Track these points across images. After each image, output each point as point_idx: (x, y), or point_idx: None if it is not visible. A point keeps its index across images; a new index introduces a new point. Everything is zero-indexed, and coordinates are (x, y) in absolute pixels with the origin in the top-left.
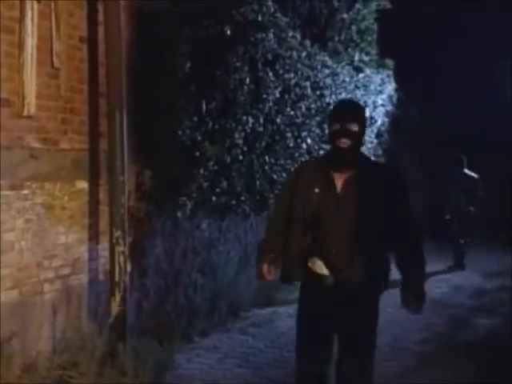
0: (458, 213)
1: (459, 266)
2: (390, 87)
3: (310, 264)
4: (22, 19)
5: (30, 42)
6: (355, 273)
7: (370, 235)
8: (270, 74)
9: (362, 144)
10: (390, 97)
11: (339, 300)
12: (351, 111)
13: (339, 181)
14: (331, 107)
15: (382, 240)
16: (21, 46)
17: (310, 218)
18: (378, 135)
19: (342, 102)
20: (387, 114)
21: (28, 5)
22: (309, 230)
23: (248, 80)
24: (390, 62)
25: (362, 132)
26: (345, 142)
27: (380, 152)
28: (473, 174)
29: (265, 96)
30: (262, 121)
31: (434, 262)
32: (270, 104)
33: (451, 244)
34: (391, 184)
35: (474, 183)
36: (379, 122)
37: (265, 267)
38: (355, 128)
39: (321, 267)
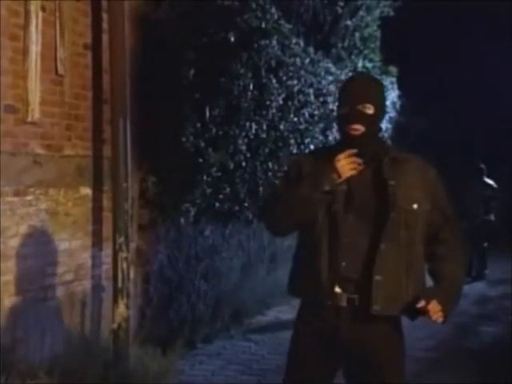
0: (478, 222)
1: (480, 277)
2: (394, 94)
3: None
4: (26, 26)
5: (35, 49)
6: (378, 305)
7: (394, 253)
8: (274, 80)
9: (379, 130)
10: (394, 103)
11: (353, 325)
12: (364, 89)
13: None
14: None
15: (415, 255)
16: (25, 52)
17: (317, 223)
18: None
19: (353, 77)
20: (391, 120)
21: (33, 12)
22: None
23: (251, 87)
24: (393, 69)
25: (379, 115)
26: (356, 129)
27: None
28: (492, 183)
29: (268, 103)
30: (265, 127)
31: None
32: (274, 111)
33: (473, 253)
34: (422, 179)
35: (492, 191)
36: (383, 129)
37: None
38: (369, 110)
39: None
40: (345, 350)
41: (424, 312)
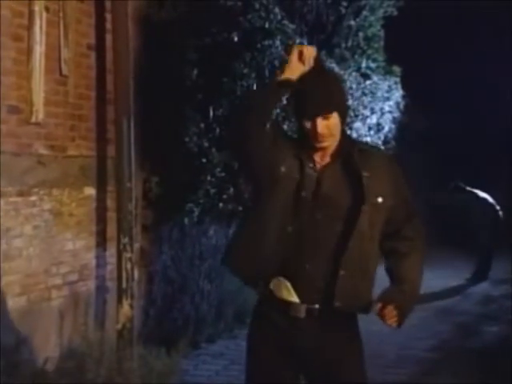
0: (485, 221)
1: (483, 277)
2: (398, 94)
3: (271, 286)
4: (30, 27)
5: (39, 50)
6: (340, 302)
7: (359, 247)
8: None
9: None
10: (398, 103)
11: (311, 334)
12: (326, 98)
13: (319, 165)
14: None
15: (373, 251)
16: (29, 53)
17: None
18: (385, 142)
19: (307, 80)
20: (394, 120)
21: (37, 13)
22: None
23: (255, 87)
24: (397, 69)
25: (344, 118)
26: (322, 142)
27: None
28: (483, 195)
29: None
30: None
31: (456, 273)
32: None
33: (478, 253)
34: (387, 173)
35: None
36: (386, 129)
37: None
38: (334, 120)
39: (288, 291)
40: (303, 351)
41: (379, 315)
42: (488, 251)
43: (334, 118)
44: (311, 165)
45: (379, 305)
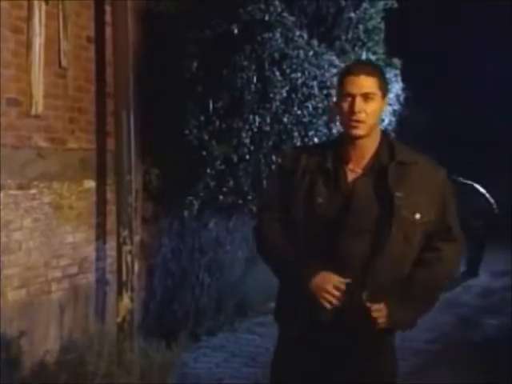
0: (480, 213)
1: (473, 273)
2: (398, 86)
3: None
4: (29, 19)
5: (38, 42)
6: (364, 316)
7: (389, 268)
8: (277, 73)
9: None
10: (398, 96)
11: (341, 345)
12: (365, 77)
13: (351, 180)
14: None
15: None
16: (29, 45)
17: (309, 233)
18: None
19: (350, 66)
20: (394, 113)
21: (36, 5)
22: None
23: (255, 79)
24: (397, 62)
25: (381, 106)
26: (357, 126)
27: None
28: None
29: (272, 95)
30: (268, 120)
31: None
32: (277, 103)
33: (470, 247)
34: (429, 186)
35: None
36: (386, 122)
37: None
38: (374, 104)
39: None
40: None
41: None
42: (479, 247)
43: (374, 100)
44: (342, 177)
45: (369, 303)
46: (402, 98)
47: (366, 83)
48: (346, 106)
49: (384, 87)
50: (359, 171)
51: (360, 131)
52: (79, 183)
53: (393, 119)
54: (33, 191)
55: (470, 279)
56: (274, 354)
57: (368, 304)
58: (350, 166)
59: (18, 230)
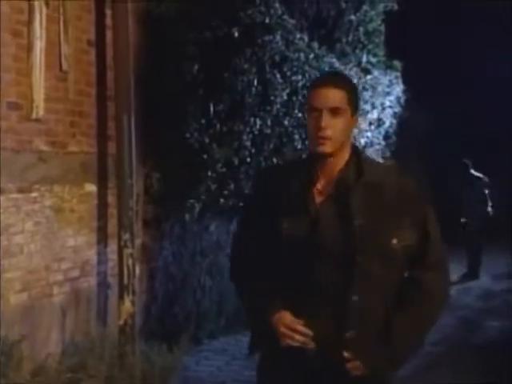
0: (475, 215)
1: (474, 275)
2: (398, 89)
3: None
4: (30, 23)
5: (39, 46)
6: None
7: (368, 300)
8: (278, 76)
9: (349, 136)
10: (398, 98)
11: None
12: (333, 90)
13: (318, 203)
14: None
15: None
16: (29, 49)
17: (280, 256)
18: (386, 137)
19: (318, 77)
20: (395, 115)
21: (36, 9)
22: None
23: (256, 82)
24: (397, 64)
25: (350, 123)
26: (323, 143)
27: (388, 154)
28: (480, 175)
29: (272, 98)
30: (269, 123)
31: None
32: (278, 106)
33: (467, 250)
34: (404, 204)
35: (484, 184)
36: (387, 124)
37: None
38: (342, 120)
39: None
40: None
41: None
42: (476, 248)
43: (343, 116)
44: (310, 200)
45: (347, 354)
46: (402, 101)
47: (334, 97)
48: (312, 121)
49: (355, 102)
50: (326, 192)
51: (326, 148)
52: (80, 187)
53: (394, 121)
54: (34, 195)
55: (471, 281)
56: (259, 358)
57: (345, 354)
58: (318, 186)
59: (20, 233)
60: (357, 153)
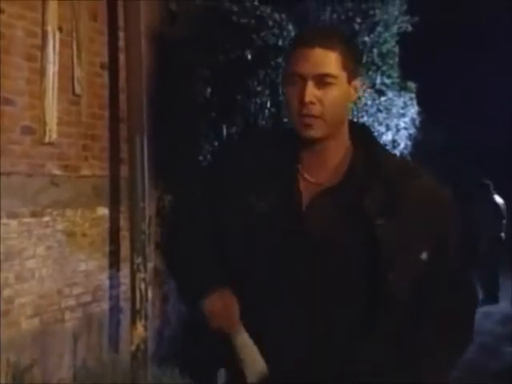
0: (491, 239)
1: (493, 299)
2: (413, 110)
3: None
4: (43, 47)
5: (52, 70)
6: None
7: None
8: None
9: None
10: (413, 120)
11: None
12: (322, 51)
13: (307, 197)
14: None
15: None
16: (42, 73)
17: (245, 263)
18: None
19: (302, 33)
20: (410, 137)
21: (50, 33)
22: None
23: (269, 104)
24: (412, 85)
25: (347, 94)
26: (310, 124)
27: None
28: (500, 200)
29: (286, 119)
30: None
31: None
32: (292, 127)
33: (485, 274)
34: (427, 214)
35: (502, 209)
36: (402, 146)
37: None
38: (335, 90)
39: (253, 361)
40: None
41: None
42: (492, 270)
43: (336, 86)
44: (296, 191)
45: None
46: (417, 122)
47: (323, 60)
48: (292, 93)
49: (352, 66)
50: (319, 185)
51: (314, 132)
52: (92, 210)
53: (409, 143)
54: (46, 219)
55: (490, 306)
56: None
57: None
58: (307, 176)
59: (31, 258)
60: (364, 136)
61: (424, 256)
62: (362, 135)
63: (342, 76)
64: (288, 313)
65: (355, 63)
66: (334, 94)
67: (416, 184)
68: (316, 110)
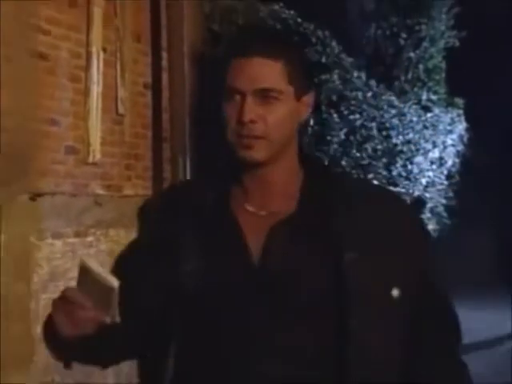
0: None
1: None
2: (461, 126)
3: None
4: (88, 68)
5: (96, 90)
6: None
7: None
8: (335, 115)
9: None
10: (461, 136)
11: None
12: (263, 61)
13: (254, 235)
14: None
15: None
16: (86, 93)
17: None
18: (449, 176)
19: (242, 41)
20: (458, 154)
21: (94, 54)
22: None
23: (312, 122)
24: (459, 101)
25: (295, 110)
26: (250, 145)
27: (451, 194)
28: None
29: (329, 138)
30: (326, 163)
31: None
32: (335, 146)
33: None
34: (400, 241)
35: None
36: (449, 163)
37: None
38: (281, 107)
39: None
40: None
41: None
42: None
43: (281, 102)
44: (236, 228)
45: None
46: (465, 139)
47: (263, 72)
48: (230, 110)
49: (300, 78)
50: (269, 218)
51: (255, 153)
52: (135, 231)
53: (456, 161)
54: (89, 239)
55: None
56: None
57: None
58: (250, 208)
59: (76, 278)
60: (317, 162)
61: (395, 293)
62: (313, 161)
63: (289, 91)
64: (247, 358)
65: (305, 75)
66: (278, 111)
67: (385, 210)
68: (258, 129)
